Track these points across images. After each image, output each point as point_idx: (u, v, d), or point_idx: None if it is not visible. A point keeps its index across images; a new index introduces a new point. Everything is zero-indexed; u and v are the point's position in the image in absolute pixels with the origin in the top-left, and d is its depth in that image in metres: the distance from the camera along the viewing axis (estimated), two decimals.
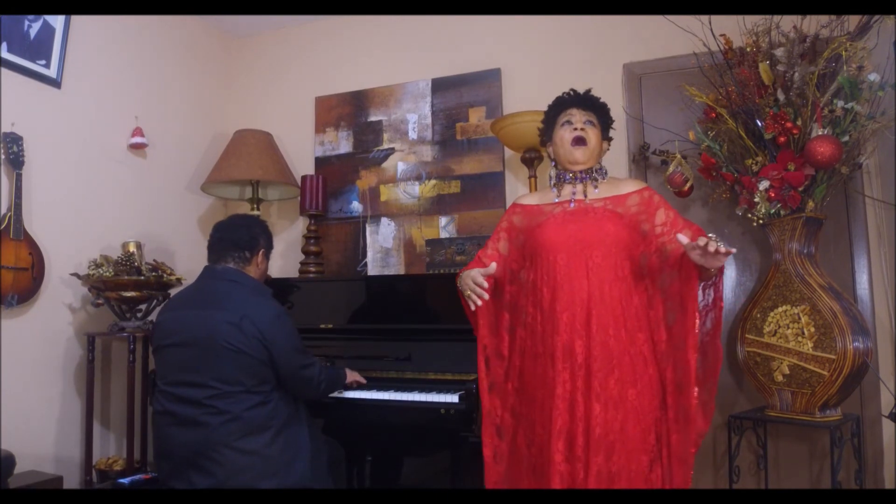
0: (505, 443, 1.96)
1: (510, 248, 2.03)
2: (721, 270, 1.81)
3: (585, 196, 1.95)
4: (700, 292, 1.82)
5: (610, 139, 2.07)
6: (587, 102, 2.00)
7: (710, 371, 1.84)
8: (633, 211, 1.92)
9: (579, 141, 1.94)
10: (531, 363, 1.89)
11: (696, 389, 1.77)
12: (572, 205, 1.95)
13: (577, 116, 1.97)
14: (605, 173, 2.00)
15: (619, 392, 1.77)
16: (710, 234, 1.66)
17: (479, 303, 1.87)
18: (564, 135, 1.97)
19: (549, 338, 1.83)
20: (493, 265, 1.89)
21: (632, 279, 1.86)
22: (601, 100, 2.03)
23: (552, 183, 2.03)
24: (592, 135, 1.95)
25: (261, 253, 2.22)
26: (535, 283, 1.90)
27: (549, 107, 2.05)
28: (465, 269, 2.01)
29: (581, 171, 1.97)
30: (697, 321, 1.77)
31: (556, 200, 1.98)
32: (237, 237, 2.17)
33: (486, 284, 1.86)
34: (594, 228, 1.86)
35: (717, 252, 1.62)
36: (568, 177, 1.99)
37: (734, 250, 1.65)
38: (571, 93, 2.02)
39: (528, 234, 1.97)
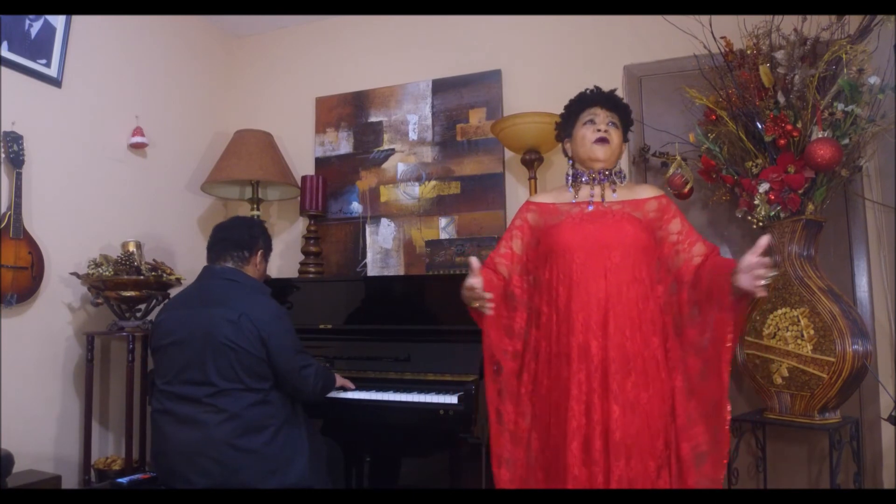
0: (520, 449, 1.91)
1: (524, 247, 2.00)
2: (747, 300, 1.70)
3: (603, 199, 1.93)
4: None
5: (627, 140, 2.07)
6: (612, 103, 1.96)
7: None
8: (651, 217, 1.90)
9: (602, 140, 1.91)
10: (545, 365, 1.87)
11: (728, 406, 1.72)
12: (590, 207, 1.92)
13: (602, 117, 1.94)
14: (624, 177, 1.99)
15: (634, 395, 1.75)
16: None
17: (492, 306, 1.84)
18: (587, 134, 1.93)
19: (564, 338, 1.81)
20: (474, 260, 1.81)
21: (648, 282, 1.84)
22: (623, 101, 2.00)
23: (569, 182, 1.99)
24: (615, 136, 1.93)
25: (259, 253, 2.22)
26: (550, 283, 1.87)
27: (572, 102, 2.00)
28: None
29: (600, 172, 1.94)
30: (730, 339, 1.70)
31: (574, 201, 1.95)
32: (236, 237, 2.18)
33: (477, 285, 1.79)
34: (613, 229, 1.85)
35: (755, 285, 1.57)
36: (585, 177, 1.96)
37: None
38: (595, 89, 1.98)
39: (543, 234, 1.94)
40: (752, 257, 1.58)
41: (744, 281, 1.59)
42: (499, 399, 1.93)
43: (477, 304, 1.84)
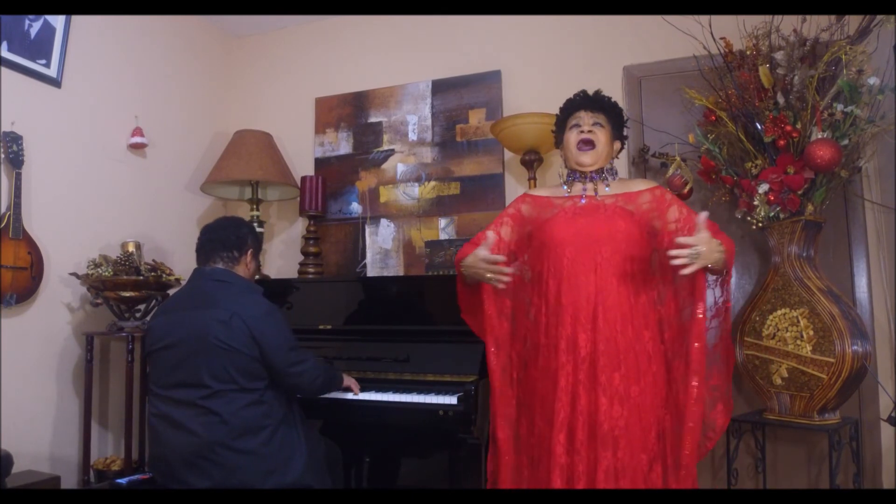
0: (511, 432, 1.96)
1: (513, 235, 2.03)
2: (728, 269, 1.82)
3: (596, 193, 1.96)
4: (711, 289, 1.85)
5: (625, 138, 2.07)
6: (596, 104, 1.99)
7: (723, 368, 1.88)
8: (645, 209, 1.93)
9: (586, 143, 1.94)
10: (534, 353, 1.91)
11: (696, 381, 1.77)
12: (583, 200, 1.95)
13: (586, 119, 1.97)
14: (616, 173, 2.01)
15: (624, 388, 1.78)
16: (689, 242, 1.68)
17: (508, 280, 1.85)
18: (571, 137, 1.97)
19: (552, 329, 1.85)
20: (491, 234, 1.86)
21: (640, 276, 1.87)
22: (611, 99, 2.02)
23: (562, 181, 2.03)
24: (601, 136, 1.95)
25: (249, 253, 2.22)
26: (541, 275, 1.91)
27: (560, 109, 2.06)
28: (463, 251, 1.99)
29: (591, 172, 1.97)
30: (702, 312, 1.79)
31: (568, 195, 1.98)
32: (225, 238, 2.17)
33: (502, 258, 1.83)
34: (605, 224, 1.87)
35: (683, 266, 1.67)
36: (578, 176, 2.00)
37: (686, 272, 1.68)
38: (581, 94, 2.02)
39: (536, 226, 1.97)
40: (679, 237, 1.71)
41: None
42: (503, 377, 1.98)
43: (489, 276, 1.86)
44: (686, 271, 1.67)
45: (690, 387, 1.77)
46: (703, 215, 1.72)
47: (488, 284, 1.90)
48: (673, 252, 1.68)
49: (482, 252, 1.84)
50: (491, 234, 1.87)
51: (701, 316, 1.78)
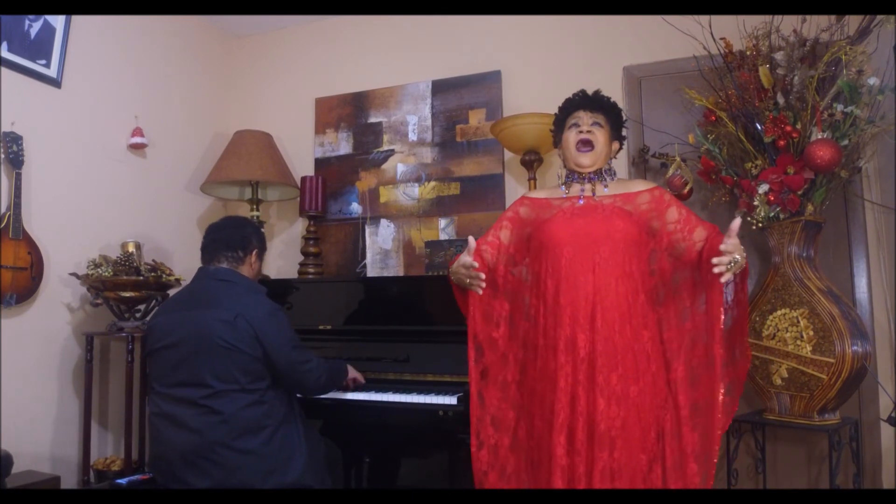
0: (507, 436, 1.95)
1: (512, 238, 2.04)
2: (744, 273, 1.81)
3: (594, 193, 1.96)
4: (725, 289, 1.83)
5: (623, 138, 2.07)
6: (595, 104, 1.99)
7: (738, 369, 1.85)
8: (644, 209, 1.92)
9: (585, 144, 1.94)
10: (532, 355, 1.90)
11: (721, 389, 1.75)
12: (581, 201, 1.95)
13: (585, 119, 1.97)
14: (615, 174, 2.01)
15: (622, 388, 1.77)
16: (729, 249, 1.68)
17: (483, 286, 1.90)
18: (570, 137, 1.97)
19: (551, 330, 1.84)
20: (472, 239, 1.89)
21: (639, 276, 1.86)
22: (611, 99, 2.02)
23: (560, 182, 2.04)
24: (600, 136, 1.95)
25: (254, 253, 2.22)
26: (539, 276, 1.91)
27: (559, 109, 2.06)
28: (454, 258, 2.01)
29: (590, 173, 1.97)
30: (722, 316, 1.76)
31: (566, 196, 1.99)
32: (230, 238, 2.18)
33: (476, 265, 1.87)
34: (603, 224, 1.87)
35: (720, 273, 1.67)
36: (576, 177, 2.00)
37: (725, 279, 1.70)
38: (580, 94, 2.02)
39: (534, 227, 1.97)
40: (721, 245, 1.69)
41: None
42: (482, 382, 1.97)
43: (468, 282, 1.91)
44: (724, 278, 1.71)
45: (717, 394, 1.75)
46: (738, 222, 1.73)
47: (471, 290, 1.95)
48: (715, 260, 1.70)
49: (463, 258, 1.89)
50: (471, 240, 1.89)
51: (720, 322, 1.76)
